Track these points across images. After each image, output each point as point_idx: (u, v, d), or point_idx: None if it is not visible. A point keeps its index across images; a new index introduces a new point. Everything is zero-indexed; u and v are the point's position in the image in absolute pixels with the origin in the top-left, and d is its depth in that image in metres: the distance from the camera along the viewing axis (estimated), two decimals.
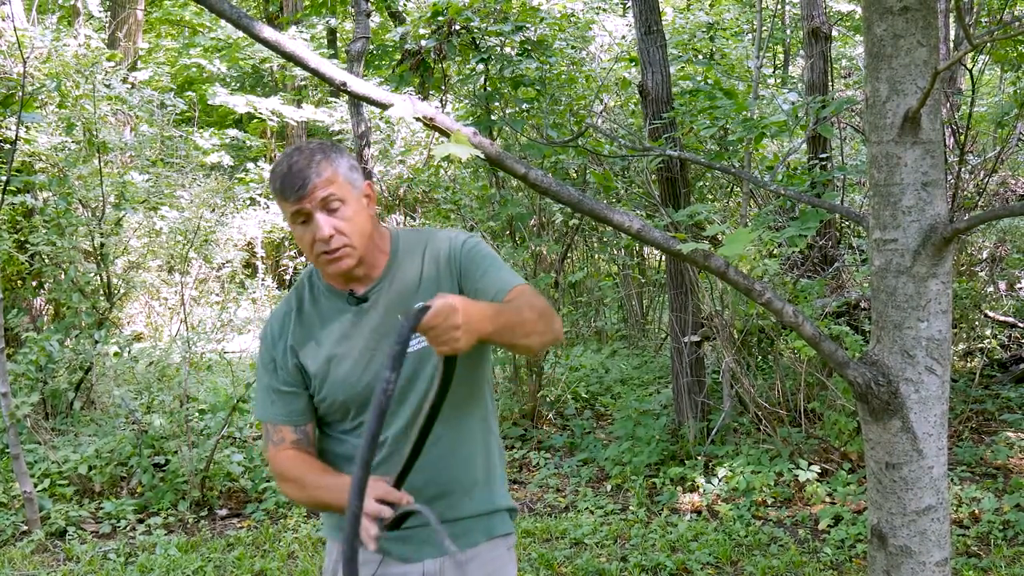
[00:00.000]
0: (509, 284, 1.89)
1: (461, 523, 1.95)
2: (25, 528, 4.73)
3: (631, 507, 4.79)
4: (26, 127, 6.36)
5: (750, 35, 10.23)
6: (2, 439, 5.29)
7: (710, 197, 7.91)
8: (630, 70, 7.56)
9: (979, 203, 6.48)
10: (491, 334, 1.68)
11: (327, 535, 2.07)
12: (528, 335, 1.77)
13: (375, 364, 1.91)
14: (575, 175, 7.04)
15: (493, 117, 6.41)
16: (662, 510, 4.73)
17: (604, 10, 8.75)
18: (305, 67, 1.65)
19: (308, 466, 1.93)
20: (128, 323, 9.22)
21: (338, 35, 16.01)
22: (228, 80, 15.59)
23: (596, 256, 9.07)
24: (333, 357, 1.92)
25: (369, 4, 5.71)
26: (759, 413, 5.21)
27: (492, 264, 1.94)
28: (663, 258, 7.79)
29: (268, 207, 11.21)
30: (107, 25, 11.59)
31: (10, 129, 6.29)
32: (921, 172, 1.77)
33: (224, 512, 5.03)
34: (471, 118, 6.67)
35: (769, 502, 4.73)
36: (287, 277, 12.86)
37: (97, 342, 6.08)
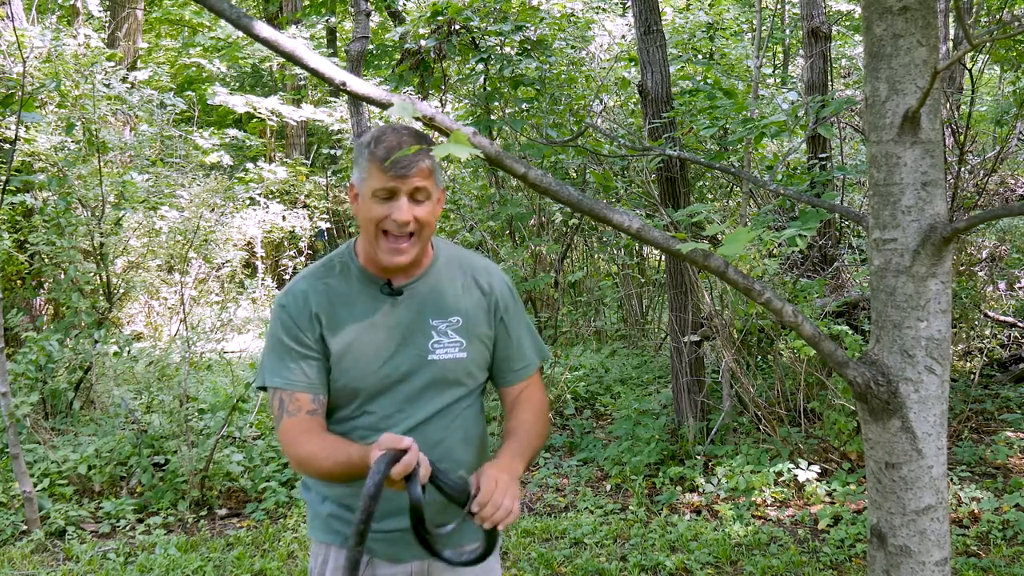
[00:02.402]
0: (531, 367, 2.07)
1: (442, 527, 1.95)
2: (25, 528, 4.73)
3: (631, 507, 4.79)
4: (26, 127, 6.36)
5: (750, 35, 10.23)
6: (2, 439, 5.28)
7: (710, 197, 7.92)
8: (630, 70, 7.56)
9: (979, 203, 6.48)
10: (522, 471, 1.90)
11: (313, 536, 2.06)
12: (540, 448, 2.03)
13: (397, 358, 1.92)
14: (575, 175, 7.04)
15: (493, 117, 6.42)
16: (662, 510, 4.73)
17: (604, 10, 8.75)
18: (304, 67, 1.64)
19: (327, 444, 1.87)
20: (128, 323, 9.22)
21: (337, 35, 16.01)
22: (227, 80, 15.59)
23: (596, 256, 9.07)
24: (356, 341, 1.91)
25: (368, 4, 5.70)
26: (759, 413, 5.21)
27: (525, 330, 2.08)
28: (663, 258, 7.79)
29: (267, 207, 11.21)
30: (107, 25, 11.59)
31: (10, 129, 6.28)
32: (921, 172, 1.76)
33: (224, 512, 5.03)
34: (471, 118, 6.67)
35: (769, 502, 4.73)
36: (287, 277, 12.86)
37: (97, 342, 6.07)
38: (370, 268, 1.95)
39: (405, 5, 9.79)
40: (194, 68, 14.70)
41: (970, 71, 6.53)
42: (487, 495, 1.72)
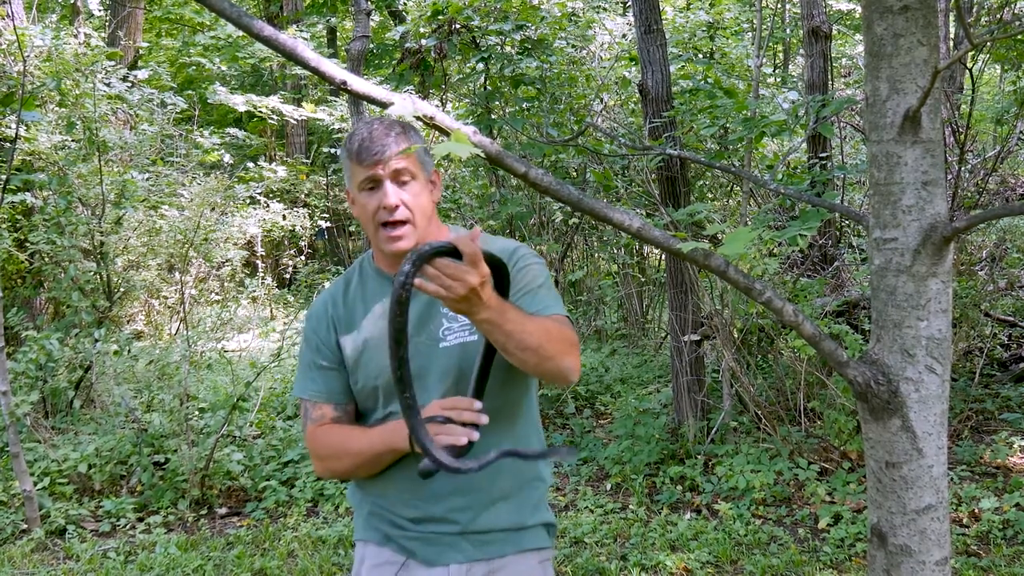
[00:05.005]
0: (548, 309, 1.87)
1: (485, 535, 1.92)
2: (25, 527, 4.73)
3: (631, 506, 4.79)
4: (26, 126, 6.36)
5: (750, 34, 10.22)
6: (2, 437, 5.28)
7: (710, 196, 7.92)
8: (630, 69, 7.56)
9: (979, 202, 6.49)
10: (499, 320, 1.67)
11: (355, 537, 2.05)
12: (536, 348, 1.73)
13: (410, 350, 1.90)
14: (575, 174, 7.03)
15: (493, 116, 6.41)
16: (662, 509, 4.74)
17: (604, 9, 8.74)
18: (305, 66, 1.64)
19: (346, 431, 1.94)
20: (128, 322, 9.21)
21: (338, 34, 16.01)
22: (228, 79, 15.58)
23: (596, 255, 9.07)
24: (369, 339, 1.92)
25: (369, 3, 5.71)
26: (759, 412, 5.21)
27: (542, 284, 1.93)
28: (663, 257, 7.78)
29: (268, 206, 11.21)
30: (107, 24, 11.59)
31: (10, 127, 6.28)
32: (921, 171, 1.76)
33: (224, 511, 5.03)
34: (471, 117, 6.67)
35: (769, 501, 4.73)
36: (287, 276, 12.87)
37: (97, 341, 6.07)
38: (382, 266, 1.97)
39: (405, 4, 9.78)
40: (194, 67, 14.69)
41: (970, 71, 6.53)
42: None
